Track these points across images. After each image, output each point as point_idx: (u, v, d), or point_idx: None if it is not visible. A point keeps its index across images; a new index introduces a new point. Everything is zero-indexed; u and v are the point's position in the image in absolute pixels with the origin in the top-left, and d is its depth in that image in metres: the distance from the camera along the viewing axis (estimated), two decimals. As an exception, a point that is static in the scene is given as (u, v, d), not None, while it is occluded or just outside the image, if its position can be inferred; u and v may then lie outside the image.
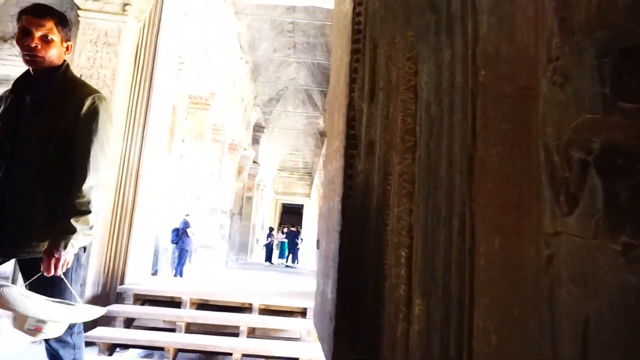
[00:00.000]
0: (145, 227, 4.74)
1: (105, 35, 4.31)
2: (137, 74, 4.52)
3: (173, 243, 8.18)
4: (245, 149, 15.82)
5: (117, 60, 4.29)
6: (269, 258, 18.36)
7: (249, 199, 19.19)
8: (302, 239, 20.19)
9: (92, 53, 4.27)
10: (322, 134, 19.75)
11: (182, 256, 8.15)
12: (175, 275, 8.08)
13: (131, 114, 4.46)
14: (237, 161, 14.89)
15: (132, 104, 4.48)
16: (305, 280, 10.79)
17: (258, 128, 18.89)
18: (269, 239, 18.92)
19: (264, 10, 11.34)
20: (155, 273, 7.03)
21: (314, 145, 23.85)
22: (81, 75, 4.23)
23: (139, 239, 4.57)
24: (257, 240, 25.28)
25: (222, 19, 9.71)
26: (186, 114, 10.11)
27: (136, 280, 4.58)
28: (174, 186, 7.62)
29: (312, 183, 31.07)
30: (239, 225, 16.70)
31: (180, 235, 8.10)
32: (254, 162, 18.93)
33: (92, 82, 4.23)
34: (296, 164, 30.07)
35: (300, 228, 35.90)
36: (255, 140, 18.89)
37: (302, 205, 36.93)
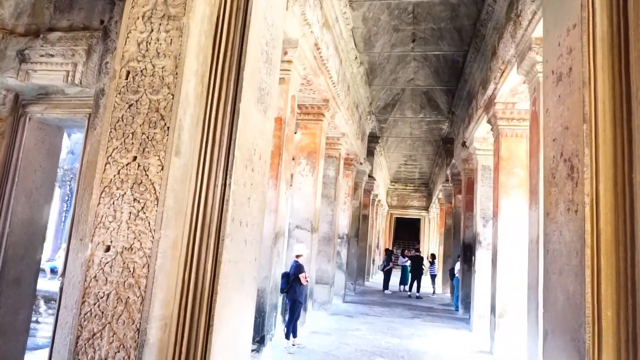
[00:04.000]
0: (234, 304, 2.90)
1: (164, 3, 2.58)
2: (217, 61, 2.72)
3: (282, 292, 6.42)
4: (361, 164, 13.89)
5: (183, 42, 2.51)
6: (387, 285, 16.09)
7: (365, 217, 17.23)
8: (430, 263, 17.49)
9: (145, 34, 2.56)
10: (445, 141, 17.09)
11: (294, 309, 6.35)
12: (287, 336, 6.30)
13: (209, 129, 2.67)
14: (353, 178, 13.00)
15: (210, 111, 2.69)
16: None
17: (372, 138, 16.91)
18: (389, 264, 16.65)
19: (383, -4, 9.37)
20: (261, 341, 5.27)
21: (433, 153, 21.14)
22: (128, 73, 2.54)
23: (226, 323, 2.73)
24: (373, 261, 23.20)
25: (334, 9, 7.89)
26: (296, 128, 8.44)
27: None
28: (283, 219, 5.86)
29: (429, 195, 28.16)
30: (356, 248, 14.76)
31: (291, 283, 6.31)
32: (369, 176, 16.95)
33: (144, 82, 2.52)
34: (412, 174, 27.45)
35: (418, 244, 33.04)
36: (370, 152, 16.92)
37: (417, 220, 34.07)
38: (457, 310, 11.78)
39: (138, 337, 2.25)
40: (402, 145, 21.59)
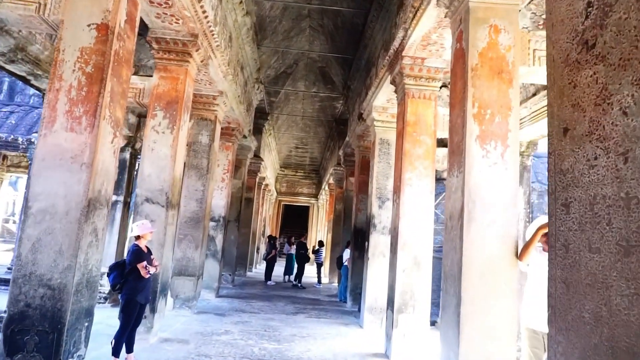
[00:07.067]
0: None
1: None
2: None
3: (114, 290, 4.45)
4: (245, 137, 12.10)
5: None
6: (270, 276, 14.57)
7: (249, 200, 15.47)
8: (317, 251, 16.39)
9: None
10: (339, 122, 16.05)
11: (129, 313, 4.40)
12: (116, 352, 4.30)
13: None
14: (234, 152, 11.15)
15: None
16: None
17: (261, 114, 15.22)
18: (272, 252, 15.14)
19: None
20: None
21: (325, 135, 20.12)
22: None
23: None
24: (258, 249, 21.56)
25: None
26: (152, 71, 6.39)
27: None
28: (107, 180, 3.91)
29: (319, 182, 27.32)
30: (236, 235, 12.97)
31: (126, 276, 4.36)
32: (255, 155, 15.23)
33: None
34: (302, 160, 26.34)
35: (306, 233, 32.23)
36: (258, 129, 15.21)
37: (307, 207, 33.16)
38: (345, 301, 10.70)
39: None
40: (294, 127, 20.26)
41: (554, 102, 1.44)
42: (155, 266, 4.55)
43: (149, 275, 4.46)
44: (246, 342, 6.08)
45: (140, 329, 5.18)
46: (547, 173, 1.49)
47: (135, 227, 4.56)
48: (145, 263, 4.38)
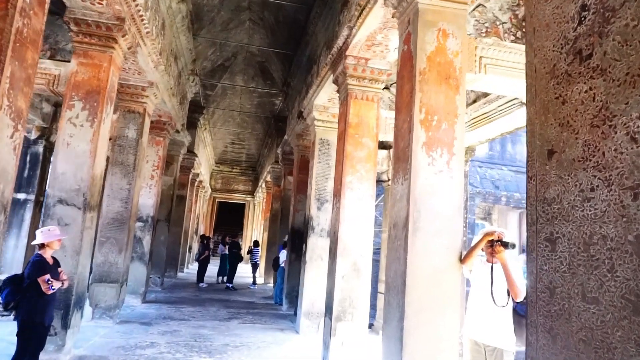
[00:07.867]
0: None
1: None
2: None
3: (7, 309, 3.83)
4: (178, 131, 11.40)
5: None
6: (202, 277, 13.92)
7: (181, 198, 14.71)
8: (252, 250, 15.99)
9: None
10: (277, 119, 15.69)
11: (29, 336, 3.80)
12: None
13: None
14: (165, 147, 10.45)
15: None
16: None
17: (196, 107, 14.48)
18: (206, 252, 14.50)
19: None
20: None
21: (263, 132, 19.68)
22: None
23: None
24: (190, 249, 20.66)
25: None
26: (71, 57, 5.70)
27: None
28: (4, 181, 3.33)
29: (256, 179, 26.75)
30: (166, 234, 12.23)
31: (24, 292, 3.76)
32: (189, 151, 14.48)
33: None
34: (239, 156, 25.65)
35: (241, 231, 31.53)
36: (192, 124, 14.47)
37: (242, 205, 32.38)
38: (281, 304, 10.42)
39: None
40: (231, 122, 19.59)
41: (536, 119, 1.25)
42: (63, 280, 3.98)
43: (52, 292, 3.87)
44: (174, 356, 5.61)
45: (49, 348, 4.60)
46: (526, 201, 1.29)
47: (39, 234, 3.95)
48: (47, 277, 3.79)
